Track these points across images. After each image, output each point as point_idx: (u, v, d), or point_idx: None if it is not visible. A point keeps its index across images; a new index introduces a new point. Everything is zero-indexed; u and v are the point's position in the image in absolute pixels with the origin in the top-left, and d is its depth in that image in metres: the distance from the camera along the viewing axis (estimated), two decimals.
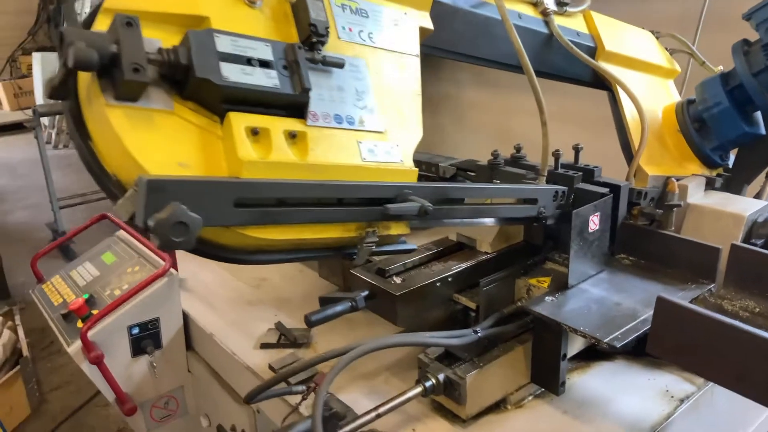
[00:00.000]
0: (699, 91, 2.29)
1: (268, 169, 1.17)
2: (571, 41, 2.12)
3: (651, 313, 1.62)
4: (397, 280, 1.90)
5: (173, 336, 2.35)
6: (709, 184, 2.20)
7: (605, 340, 1.53)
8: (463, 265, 1.97)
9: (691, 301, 1.71)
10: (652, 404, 1.77)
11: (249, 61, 1.17)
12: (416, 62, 1.54)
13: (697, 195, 2.13)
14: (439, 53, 1.74)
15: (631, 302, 1.71)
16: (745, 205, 2.02)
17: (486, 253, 2.04)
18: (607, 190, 1.90)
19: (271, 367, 2.03)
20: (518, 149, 2.27)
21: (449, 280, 1.92)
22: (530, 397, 1.84)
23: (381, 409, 1.58)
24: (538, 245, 2.05)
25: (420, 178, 1.47)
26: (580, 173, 1.95)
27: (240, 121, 1.16)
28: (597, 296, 1.76)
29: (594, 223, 1.81)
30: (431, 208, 1.32)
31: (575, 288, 1.81)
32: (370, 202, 1.32)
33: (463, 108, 5.64)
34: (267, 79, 1.18)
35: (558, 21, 2.12)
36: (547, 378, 1.79)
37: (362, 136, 1.35)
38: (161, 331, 2.30)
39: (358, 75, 1.40)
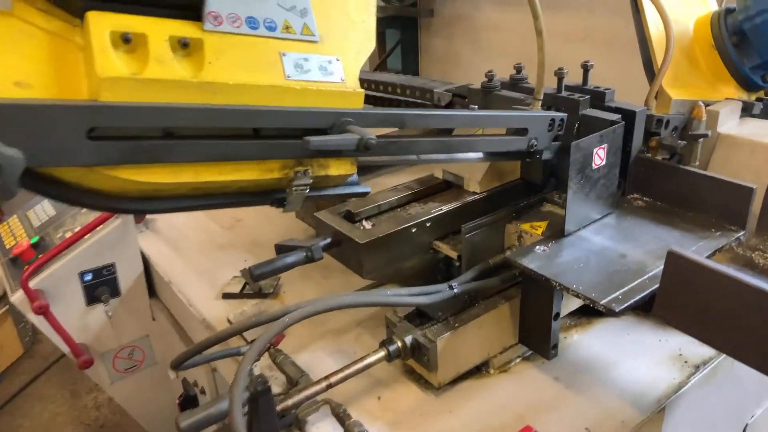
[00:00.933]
0: None
1: (144, 89, 0.88)
2: None
3: (662, 268, 1.34)
4: (367, 224, 1.63)
5: (133, 283, 2.14)
6: (746, 110, 1.85)
7: (602, 302, 1.25)
8: (445, 208, 1.68)
9: (714, 253, 1.42)
10: (661, 371, 1.50)
11: None
12: None
13: (729, 123, 1.78)
14: None
15: (640, 254, 1.42)
16: None
17: (474, 193, 1.75)
18: (619, 116, 1.56)
19: (230, 322, 1.81)
20: (518, 69, 1.93)
21: (428, 225, 1.64)
22: (517, 360, 1.59)
23: (333, 379, 1.35)
24: (538, 184, 1.74)
25: (412, 106, 1.16)
26: (588, 97, 1.62)
27: (102, 23, 0.87)
28: (599, 246, 1.47)
29: (599, 157, 1.50)
30: (374, 141, 1.02)
31: (574, 235, 1.52)
32: (295, 133, 1.03)
33: (482, 31, 5.16)
34: None
35: None
36: (536, 340, 1.54)
37: (287, 45, 1.04)
38: (118, 278, 2.09)
39: None
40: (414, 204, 1.74)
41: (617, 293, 1.27)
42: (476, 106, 1.62)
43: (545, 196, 1.73)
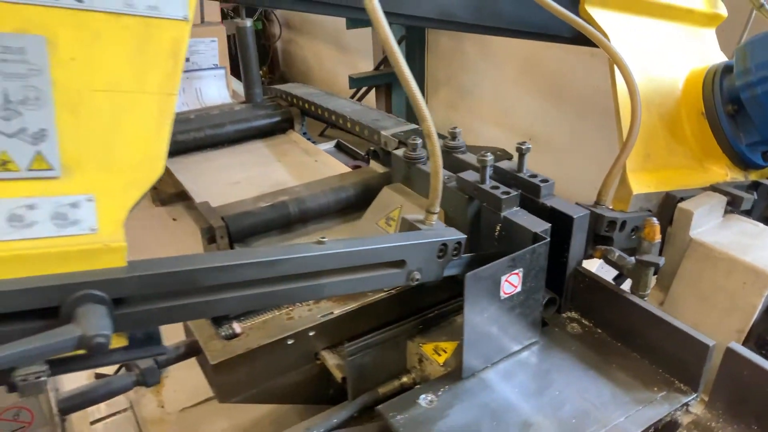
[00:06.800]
0: (740, 55, 1.50)
1: None
2: None
3: None
4: (237, 328, 1.34)
5: None
6: (734, 205, 1.47)
7: None
8: (337, 312, 1.38)
9: (649, 430, 1.08)
10: None
11: None
12: (179, 33, 0.89)
13: (708, 223, 1.41)
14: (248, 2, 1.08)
15: (550, 423, 1.09)
16: None
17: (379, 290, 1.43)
18: (548, 227, 1.22)
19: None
20: (453, 135, 1.58)
21: (311, 334, 1.34)
22: None
23: None
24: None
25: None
26: (514, 194, 1.27)
27: None
28: (501, 401, 1.14)
29: (511, 284, 1.16)
30: (104, 340, 0.72)
31: (476, 378, 1.20)
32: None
33: None
34: None
35: None
36: None
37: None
38: None
39: (20, 68, 0.77)
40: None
41: None
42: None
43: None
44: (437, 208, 1.12)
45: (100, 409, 1.57)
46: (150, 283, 0.81)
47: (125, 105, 0.83)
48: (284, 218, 1.84)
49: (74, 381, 1.64)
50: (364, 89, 5.38)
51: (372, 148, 2.28)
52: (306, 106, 2.57)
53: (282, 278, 0.94)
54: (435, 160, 1.07)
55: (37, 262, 0.74)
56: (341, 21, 5.55)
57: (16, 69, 0.76)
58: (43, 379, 0.80)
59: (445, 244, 1.11)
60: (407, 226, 1.15)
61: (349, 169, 2.27)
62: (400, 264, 1.07)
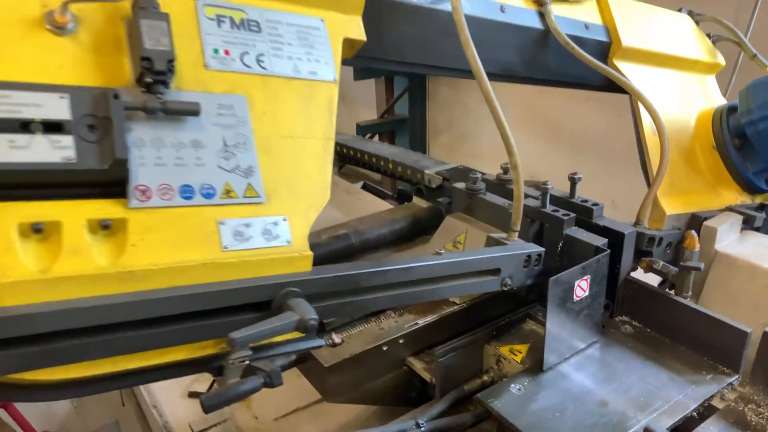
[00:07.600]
0: (743, 97, 1.79)
1: (54, 288, 0.80)
2: (576, 36, 1.64)
3: (645, 422, 1.23)
4: (337, 338, 1.55)
5: None
6: (747, 223, 1.73)
7: None
8: (421, 322, 1.59)
9: (703, 403, 1.30)
10: None
11: (25, 126, 0.80)
12: (331, 92, 1.13)
13: (729, 239, 1.67)
14: (371, 63, 1.33)
15: (622, 402, 1.31)
16: None
17: (453, 303, 1.65)
18: (605, 241, 1.47)
19: (191, 430, 1.73)
20: (505, 170, 1.84)
21: (401, 341, 1.55)
22: None
23: None
24: (522, 295, 1.65)
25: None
26: (573, 216, 1.52)
27: (8, 215, 0.79)
28: (579, 388, 1.36)
29: (582, 288, 1.40)
30: (314, 322, 0.94)
31: (553, 371, 1.42)
32: (230, 309, 0.95)
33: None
34: (52, 152, 0.81)
35: (561, 10, 1.65)
36: None
37: (226, 212, 0.96)
38: None
39: (232, 120, 1.00)
40: (388, 313, 1.65)
41: None
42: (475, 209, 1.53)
43: (529, 311, 1.64)
44: (518, 227, 1.36)
45: (200, 421, 1.74)
46: (329, 283, 1.03)
47: (301, 147, 1.07)
48: (348, 248, 2.06)
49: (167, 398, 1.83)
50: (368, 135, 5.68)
51: (399, 186, 2.53)
52: (345, 150, 2.82)
53: (413, 282, 1.17)
54: (518, 187, 1.31)
55: (254, 267, 0.96)
56: (347, 73, 5.89)
57: (229, 121, 1.00)
58: (246, 362, 1.01)
59: (529, 256, 1.35)
60: (493, 242, 1.39)
61: (390, 206, 2.51)
62: (496, 272, 1.30)
